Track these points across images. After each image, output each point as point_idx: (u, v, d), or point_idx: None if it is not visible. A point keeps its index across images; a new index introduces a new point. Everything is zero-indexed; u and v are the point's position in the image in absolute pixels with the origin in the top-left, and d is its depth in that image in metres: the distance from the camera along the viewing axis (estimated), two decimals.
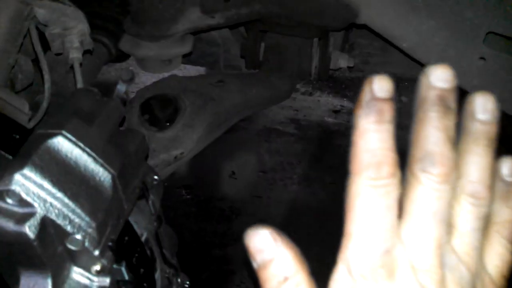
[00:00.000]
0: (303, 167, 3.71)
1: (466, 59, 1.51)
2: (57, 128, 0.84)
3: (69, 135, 0.85)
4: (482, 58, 1.49)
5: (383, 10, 1.55)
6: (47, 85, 1.17)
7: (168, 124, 1.56)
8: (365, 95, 0.45)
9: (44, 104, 1.15)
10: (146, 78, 1.98)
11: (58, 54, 1.28)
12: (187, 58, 1.88)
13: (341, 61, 1.89)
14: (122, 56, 1.74)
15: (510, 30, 1.42)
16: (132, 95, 1.64)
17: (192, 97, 1.61)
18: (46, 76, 1.18)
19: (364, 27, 1.63)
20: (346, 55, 1.91)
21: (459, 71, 1.52)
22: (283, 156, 3.70)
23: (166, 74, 1.70)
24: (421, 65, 1.66)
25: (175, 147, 1.53)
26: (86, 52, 1.27)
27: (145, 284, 1.04)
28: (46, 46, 1.25)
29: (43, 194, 0.78)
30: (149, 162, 1.30)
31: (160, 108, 1.57)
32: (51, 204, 0.79)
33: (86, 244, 0.82)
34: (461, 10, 1.45)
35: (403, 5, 1.51)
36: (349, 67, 1.95)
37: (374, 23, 1.59)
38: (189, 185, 3.38)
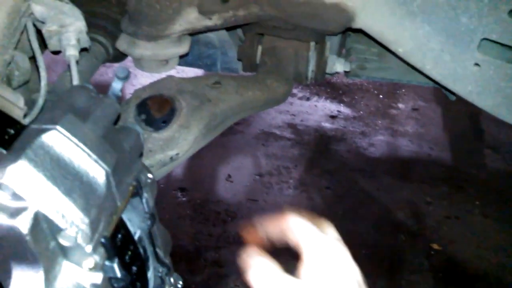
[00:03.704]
0: (299, 171, 3.73)
1: (461, 65, 1.52)
2: (51, 123, 0.84)
3: (63, 131, 0.85)
4: (476, 64, 1.50)
5: (379, 15, 1.56)
6: (43, 82, 1.17)
7: (164, 124, 1.56)
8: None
9: (40, 101, 1.15)
10: (145, 80, 1.99)
11: (54, 52, 1.28)
12: (185, 60, 1.88)
13: (338, 66, 1.90)
14: (119, 56, 1.75)
15: (504, 36, 1.43)
16: (129, 96, 1.65)
17: (189, 98, 1.61)
18: (43, 73, 1.18)
19: (361, 31, 1.64)
20: (343, 59, 1.92)
21: (454, 77, 1.54)
22: (280, 160, 3.72)
23: (163, 75, 1.71)
24: (417, 71, 1.67)
25: (170, 148, 1.53)
26: (83, 50, 1.28)
27: (138, 283, 1.04)
28: (44, 44, 1.25)
29: (36, 188, 0.78)
30: (145, 163, 1.30)
31: (156, 109, 1.58)
32: (44, 199, 0.79)
33: (79, 240, 0.81)
34: (457, 15, 1.46)
35: (399, 10, 1.52)
36: (345, 72, 1.96)
37: (369, 28, 1.60)
38: (185, 187, 3.39)
